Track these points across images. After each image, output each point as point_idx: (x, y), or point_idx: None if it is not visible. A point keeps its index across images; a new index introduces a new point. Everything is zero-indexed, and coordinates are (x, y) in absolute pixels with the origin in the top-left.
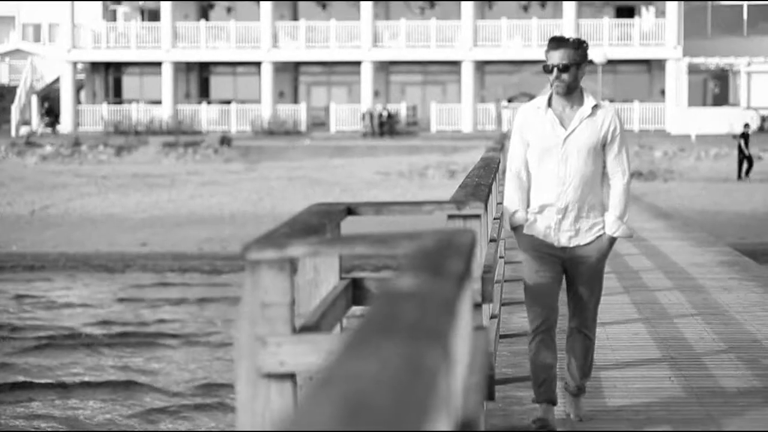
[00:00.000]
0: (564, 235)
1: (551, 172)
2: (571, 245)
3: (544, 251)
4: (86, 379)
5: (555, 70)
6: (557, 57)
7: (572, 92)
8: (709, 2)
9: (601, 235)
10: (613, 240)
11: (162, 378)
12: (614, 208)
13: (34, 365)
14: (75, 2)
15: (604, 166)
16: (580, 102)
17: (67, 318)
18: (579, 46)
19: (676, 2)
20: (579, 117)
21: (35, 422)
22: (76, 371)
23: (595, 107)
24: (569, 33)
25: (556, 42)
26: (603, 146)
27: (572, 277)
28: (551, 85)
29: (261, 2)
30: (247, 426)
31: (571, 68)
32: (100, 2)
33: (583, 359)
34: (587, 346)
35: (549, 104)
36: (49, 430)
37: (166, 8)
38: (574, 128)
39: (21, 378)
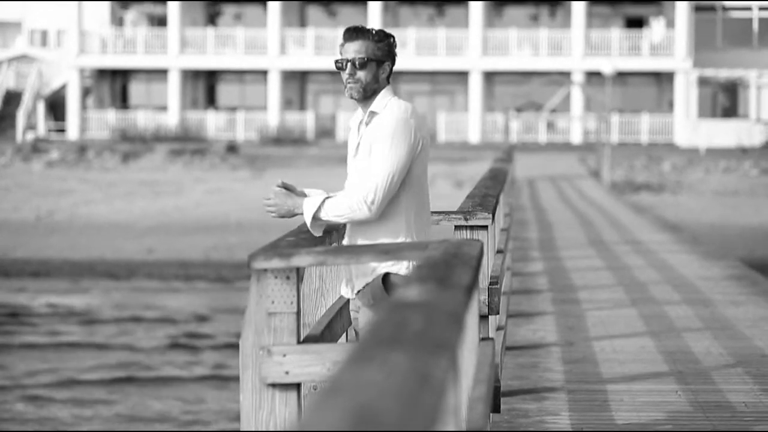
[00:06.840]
0: (344, 286)
1: None
2: (351, 297)
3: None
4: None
5: (349, 66)
6: (353, 50)
7: (371, 98)
8: (720, 14)
9: (373, 279)
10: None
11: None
12: (325, 193)
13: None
14: (83, 5)
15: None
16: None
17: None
18: (383, 39)
19: (686, 14)
20: (361, 131)
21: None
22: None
23: (372, 114)
24: (576, 44)
25: (353, 32)
26: None
27: None
28: (345, 88)
29: (269, 8)
30: None
31: (370, 65)
32: (108, 7)
33: None
34: None
35: None
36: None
37: (173, 14)
38: (356, 145)
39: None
